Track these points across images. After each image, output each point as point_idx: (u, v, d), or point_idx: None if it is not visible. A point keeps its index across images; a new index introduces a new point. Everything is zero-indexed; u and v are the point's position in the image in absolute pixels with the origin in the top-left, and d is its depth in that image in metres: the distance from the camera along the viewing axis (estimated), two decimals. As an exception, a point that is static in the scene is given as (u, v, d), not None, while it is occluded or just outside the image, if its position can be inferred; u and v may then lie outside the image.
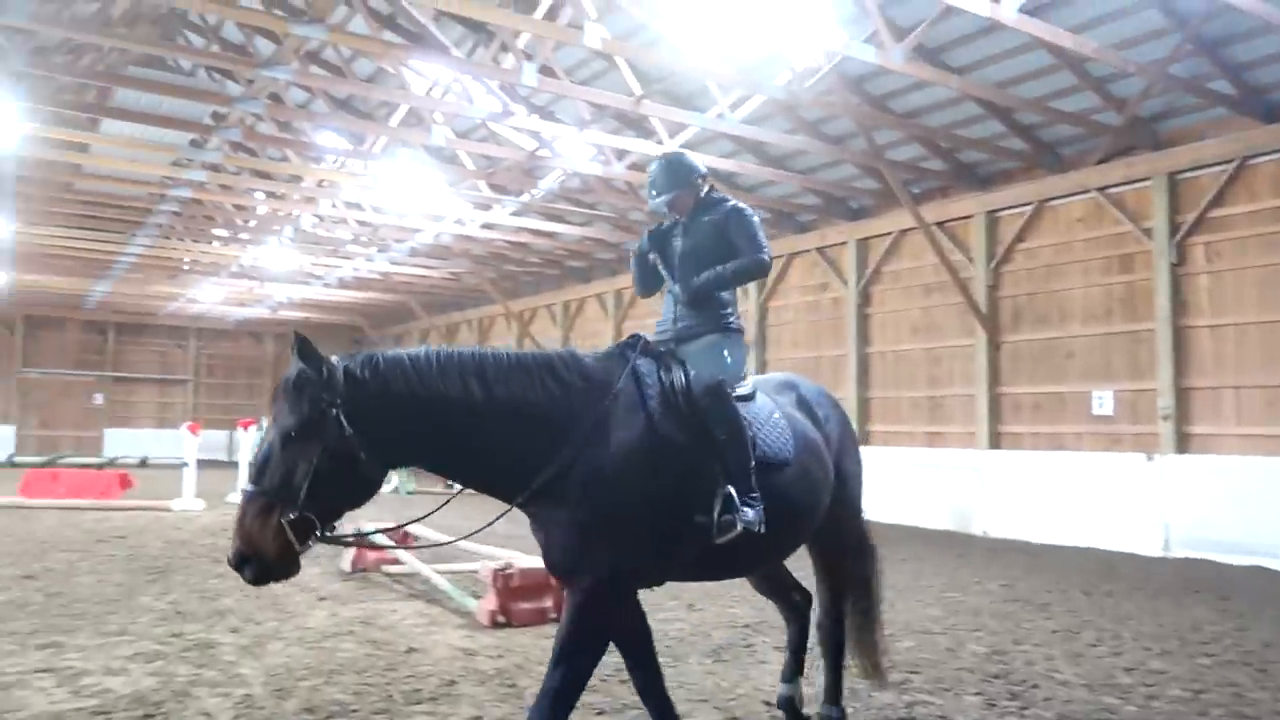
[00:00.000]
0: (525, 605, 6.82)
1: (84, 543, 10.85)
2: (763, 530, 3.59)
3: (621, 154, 14.72)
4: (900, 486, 14.68)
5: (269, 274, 25.24)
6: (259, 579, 3.18)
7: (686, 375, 3.80)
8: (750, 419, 3.86)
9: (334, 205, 18.66)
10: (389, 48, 11.49)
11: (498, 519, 3.67)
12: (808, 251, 17.86)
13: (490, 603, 6.76)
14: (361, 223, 19.99)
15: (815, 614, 4.65)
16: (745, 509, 3.56)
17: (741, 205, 4.33)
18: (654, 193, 4.35)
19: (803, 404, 4.33)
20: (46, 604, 7.30)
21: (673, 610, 7.33)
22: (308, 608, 7.30)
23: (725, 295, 4.22)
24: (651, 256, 4.34)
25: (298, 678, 5.32)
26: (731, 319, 4.22)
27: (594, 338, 23.89)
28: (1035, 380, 13.86)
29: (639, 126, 14.81)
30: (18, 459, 27.06)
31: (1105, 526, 11.99)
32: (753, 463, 3.68)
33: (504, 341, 27.66)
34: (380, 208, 18.61)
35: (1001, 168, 14.48)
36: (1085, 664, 6.01)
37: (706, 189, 4.38)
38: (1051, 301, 13.73)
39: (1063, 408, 13.48)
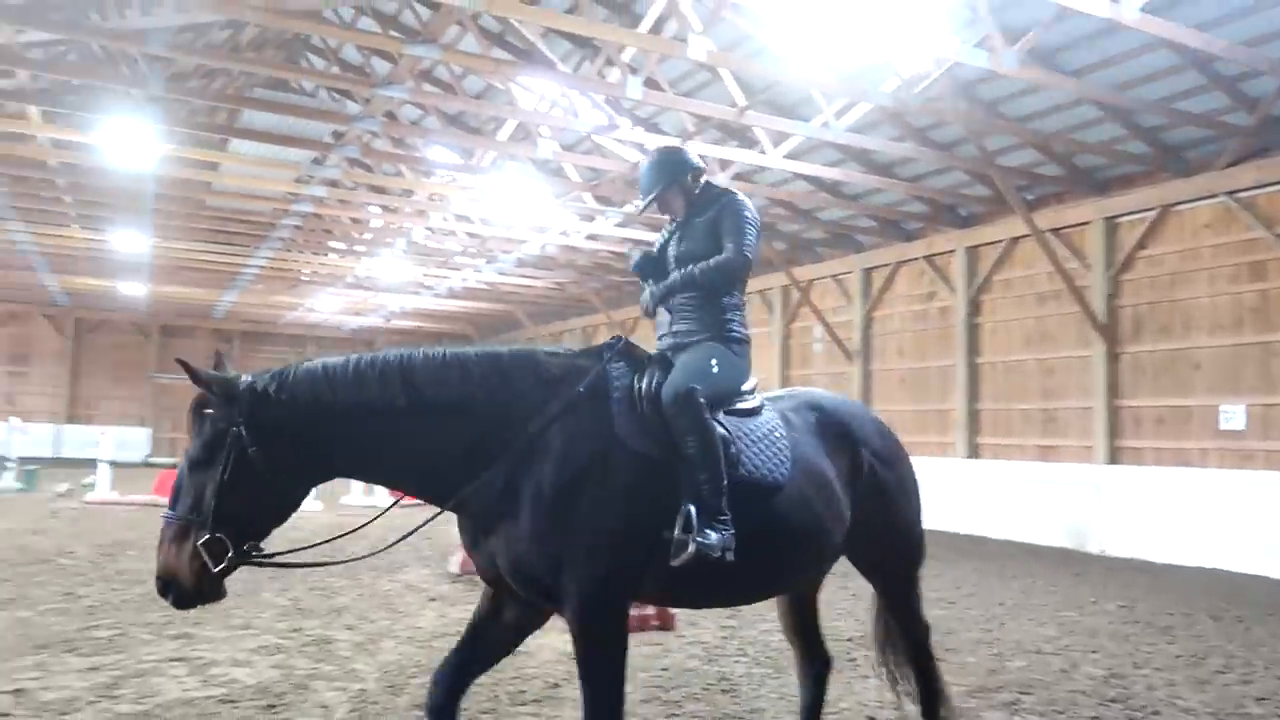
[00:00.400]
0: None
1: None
2: (729, 558, 3.25)
3: (725, 164, 14.75)
4: (1011, 501, 14.23)
5: (382, 284, 26.19)
6: (180, 603, 3.09)
7: (658, 382, 3.52)
8: (740, 434, 3.54)
9: (444, 218, 19.24)
10: (498, 65, 11.81)
11: (425, 524, 3.50)
12: (914, 260, 17.51)
13: (593, 608, 6.85)
14: (470, 234, 20.56)
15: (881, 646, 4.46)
16: (708, 531, 3.23)
17: (737, 196, 3.95)
18: (641, 195, 4.06)
19: (824, 428, 3.88)
20: (179, 597, 7.73)
21: (774, 621, 7.28)
22: (418, 608, 7.55)
23: (728, 300, 3.82)
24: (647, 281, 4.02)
25: (409, 675, 5.51)
26: (734, 326, 3.81)
27: (696, 347, 23.94)
28: (1158, 393, 13.24)
29: (742, 136, 14.81)
30: (153, 460, 28.69)
31: (1234, 547, 11.35)
32: (725, 482, 3.33)
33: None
34: (488, 220, 19.11)
35: (1121, 172, 13.91)
36: (1212, 691, 5.72)
37: (701, 184, 4.02)
38: (1175, 311, 13.10)
39: (1188, 422, 12.84)
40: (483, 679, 5.41)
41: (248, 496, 3.09)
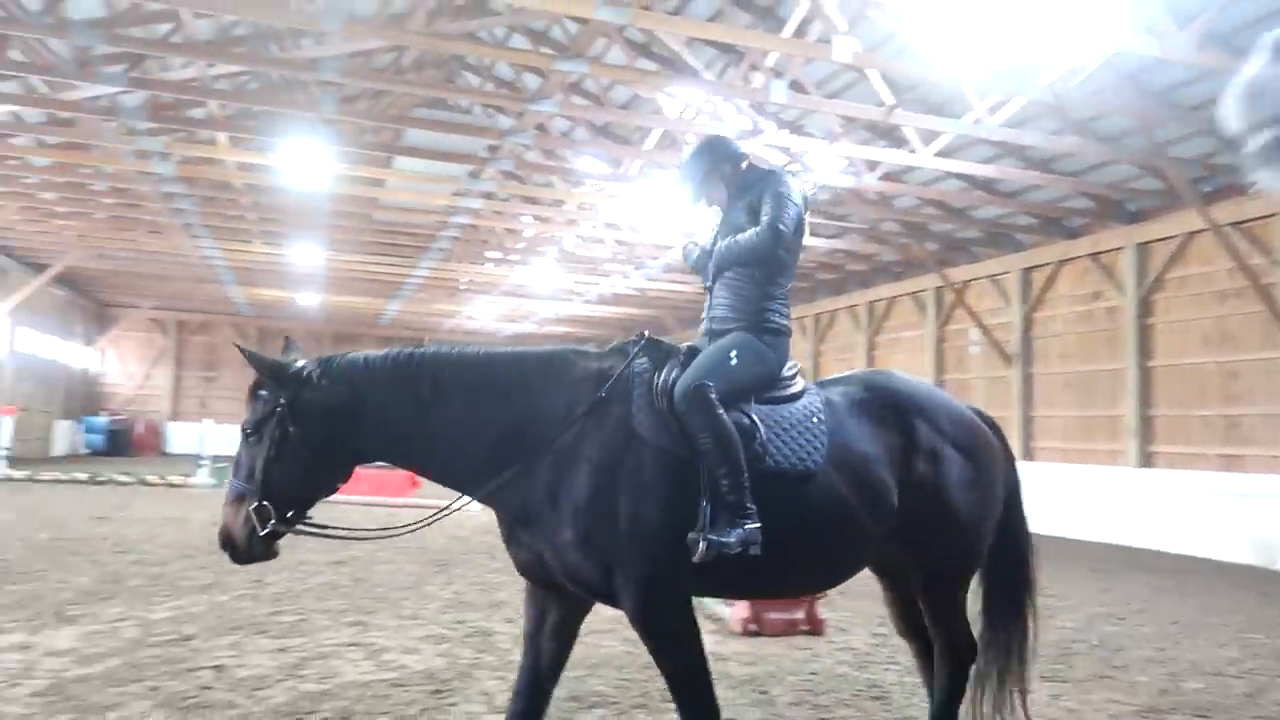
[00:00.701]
0: (777, 615, 6.91)
1: (380, 535, 12.16)
2: (754, 552, 3.21)
3: (873, 165, 14.51)
4: (1189, 513, 13.36)
5: (535, 292, 27.03)
6: (235, 559, 3.45)
7: (675, 378, 3.45)
8: (771, 423, 3.45)
9: (594, 226, 19.72)
10: (644, 76, 12.05)
11: (443, 513, 3.61)
12: (1079, 258, 16.70)
13: (743, 611, 6.91)
14: (619, 241, 20.99)
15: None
16: (727, 529, 3.19)
17: (779, 173, 3.82)
18: (684, 191, 4.01)
19: (870, 405, 3.67)
20: (354, 588, 8.29)
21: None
22: (571, 605, 7.80)
23: (768, 287, 3.67)
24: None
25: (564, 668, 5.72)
26: (771, 315, 3.66)
27: (846, 350, 23.57)
28: (1358, 398, 12.15)
29: (891, 136, 14.52)
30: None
31: None
32: (745, 476, 3.26)
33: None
34: (636, 227, 19.44)
35: (1313, 158, 12.82)
36: None
37: (743, 169, 3.89)
38: (1379, 308, 12.00)
39: (1395, 430, 11.72)
40: (633, 675, 5.59)
41: (289, 471, 3.36)
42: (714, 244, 3.84)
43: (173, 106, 14.77)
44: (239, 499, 3.39)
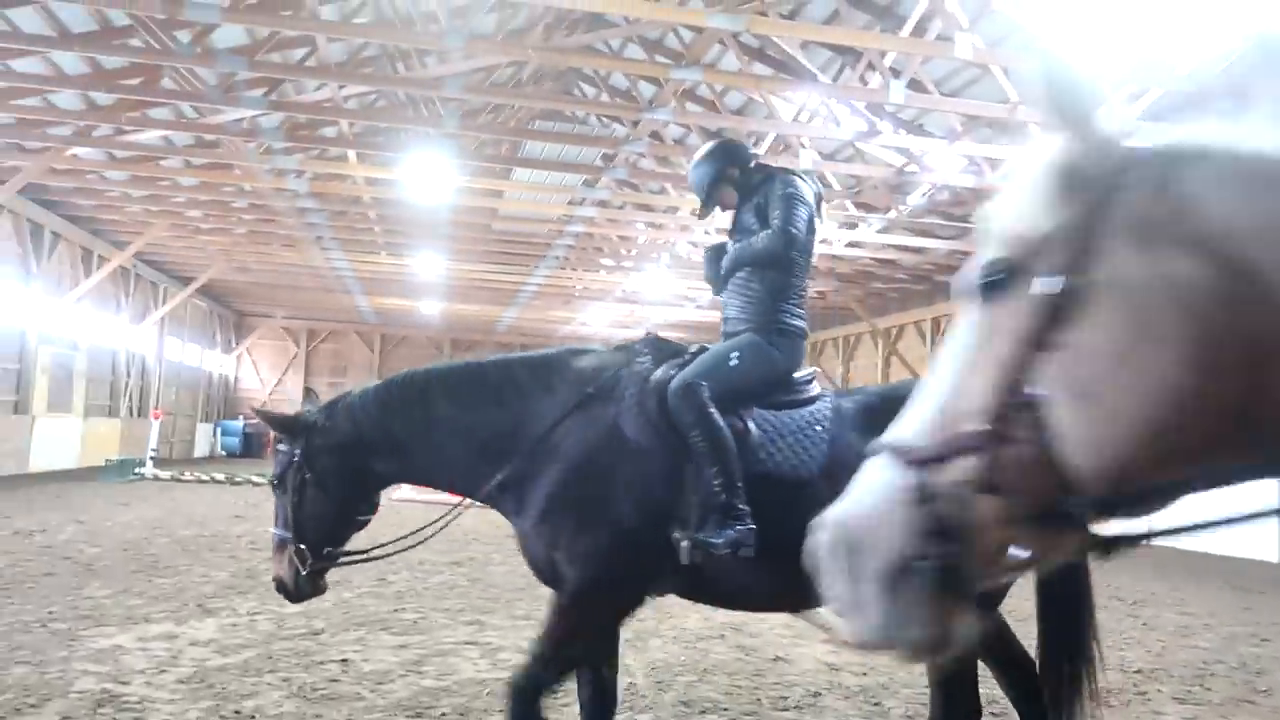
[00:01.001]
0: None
1: (497, 537, 12.45)
2: (745, 553, 3.10)
3: (995, 163, 14.04)
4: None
5: (648, 298, 27.22)
6: (289, 600, 3.73)
7: (669, 378, 3.41)
8: (770, 427, 3.37)
9: (706, 232, 19.70)
10: (759, 81, 12.00)
11: (444, 519, 3.76)
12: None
13: (856, 621, 6.78)
14: (732, 247, 20.91)
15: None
16: (718, 529, 3.11)
17: (785, 173, 3.75)
18: (697, 198, 4.04)
19: (876, 412, 3.35)
20: (469, 588, 8.52)
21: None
22: (683, 610, 7.80)
23: (782, 288, 3.62)
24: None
25: (675, 673, 5.75)
26: (784, 317, 3.62)
27: (966, 356, 22.86)
28: None
29: (1016, 133, 14.03)
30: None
31: None
32: (737, 476, 3.18)
33: (869, 361, 27.37)
34: (749, 232, 19.34)
35: None
36: None
37: (751, 170, 3.85)
38: None
39: None
40: (744, 682, 5.56)
41: (314, 513, 3.58)
42: (723, 248, 3.87)
43: (306, 126, 15.55)
44: (281, 546, 3.65)
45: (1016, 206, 1.16)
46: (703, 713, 4.99)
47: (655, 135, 15.46)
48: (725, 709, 5.06)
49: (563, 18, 13.47)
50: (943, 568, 1.06)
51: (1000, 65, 11.18)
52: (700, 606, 7.86)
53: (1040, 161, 1.16)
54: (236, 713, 4.60)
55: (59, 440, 20.99)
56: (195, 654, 5.67)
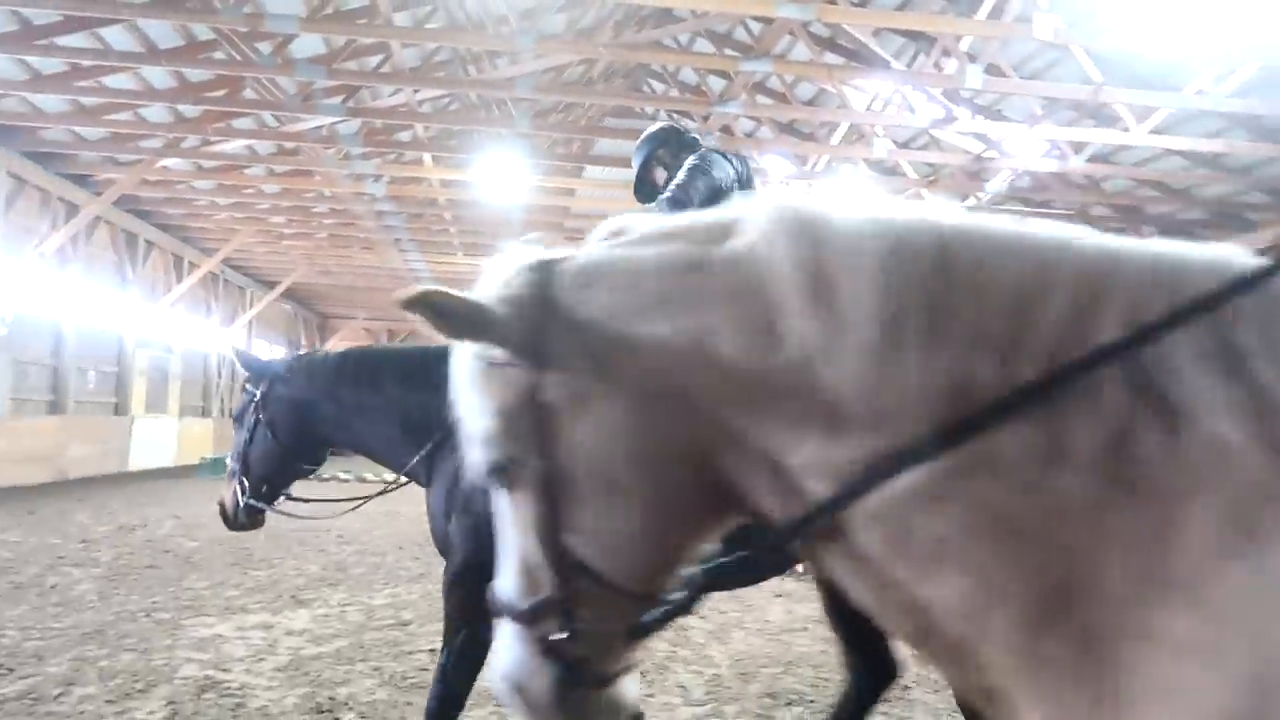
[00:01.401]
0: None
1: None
2: None
3: (1079, 146, 13.64)
4: None
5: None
6: (227, 526, 4.03)
7: None
8: None
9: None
10: (831, 71, 11.86)
11: (383, 491, 4.15)
12: (1324, 238, 15.03)
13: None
14: (805, 240, 20.71)
15: None
16: None
17: (699, 149, 3.77)
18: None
19: None
20: (552, 581, 8.61)
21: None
22: (766, 602, 7.78)
23: None
24: None
25: (759, 664, 5.73)
26: None
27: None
28: None
29: (1100, 115, 13.60)
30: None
31: None
32: None
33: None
34: (823, 224, 19.13)
35: None
36: None
37: (681, 154, 3.82)
38: None
39: None
40: (829, 675, 5.52)
41: (259, 454, 3.91)
42: None
43: (383, 131, 15.90)
44: (229, 476, 4.00)
45: (469, 409, 1.36)
46: (788, 704, 4.97)
47: (726, 129, 15.40)
48: (811, 700, 5.03)
49: (631, 14, 13.50)
50: (582, 680, 1.30)
51: (1081, 46, 10.86)
52: (780, 600, 7.83)
53: (466, 367, 1.36)
54: (331, 699, 4.75)
55: (156, 440, 21.85)
56: (290, 643, 5.87)
